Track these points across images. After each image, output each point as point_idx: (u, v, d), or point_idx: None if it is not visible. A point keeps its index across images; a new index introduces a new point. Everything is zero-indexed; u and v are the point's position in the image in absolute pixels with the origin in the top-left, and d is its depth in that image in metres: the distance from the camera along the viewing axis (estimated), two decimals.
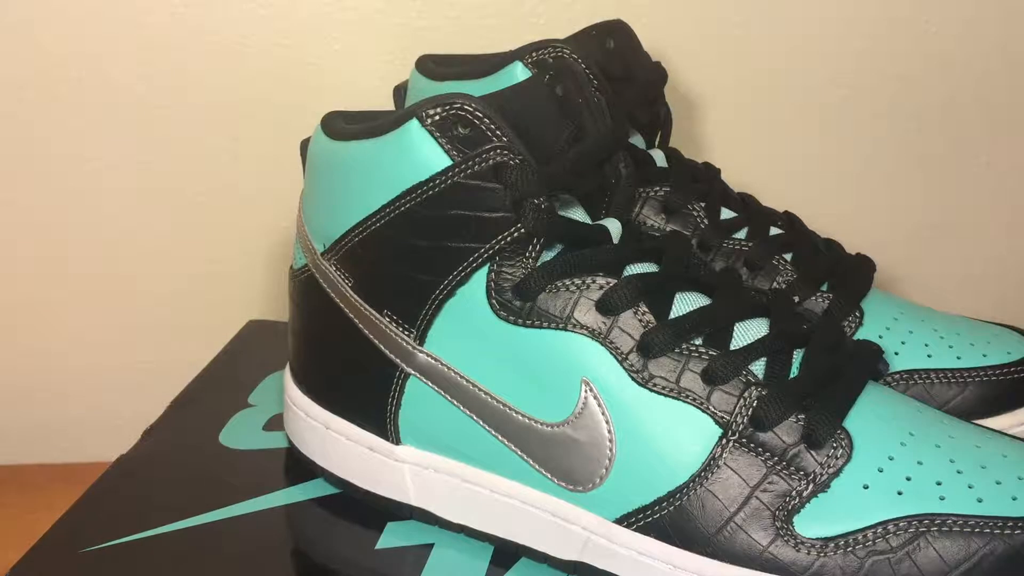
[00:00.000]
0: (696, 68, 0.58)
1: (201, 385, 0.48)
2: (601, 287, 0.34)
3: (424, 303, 0.35)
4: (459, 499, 0.37)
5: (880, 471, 0.32)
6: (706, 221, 0.43)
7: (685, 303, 0.35)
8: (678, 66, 0.56)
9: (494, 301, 0.34)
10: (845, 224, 0.55)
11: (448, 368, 0.36)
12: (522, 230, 0.33)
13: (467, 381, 0.35)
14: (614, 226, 0.37)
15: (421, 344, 0.36)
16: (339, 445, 0.39)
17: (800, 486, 0.32)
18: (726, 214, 0.45)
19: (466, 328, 0.35)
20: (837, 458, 0.32)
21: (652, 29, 0.52)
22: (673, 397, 0.33)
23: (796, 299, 0.41)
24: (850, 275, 0.43)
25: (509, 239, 0.33)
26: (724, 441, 0.33)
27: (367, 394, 0.38)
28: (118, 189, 0.59)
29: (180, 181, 0.59)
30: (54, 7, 0.56)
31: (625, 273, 0.35)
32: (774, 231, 0.45)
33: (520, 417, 0.35)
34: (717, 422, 0.33)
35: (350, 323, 0.37)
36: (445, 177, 0.33)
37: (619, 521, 0.34)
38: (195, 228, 0.60)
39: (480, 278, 0.34)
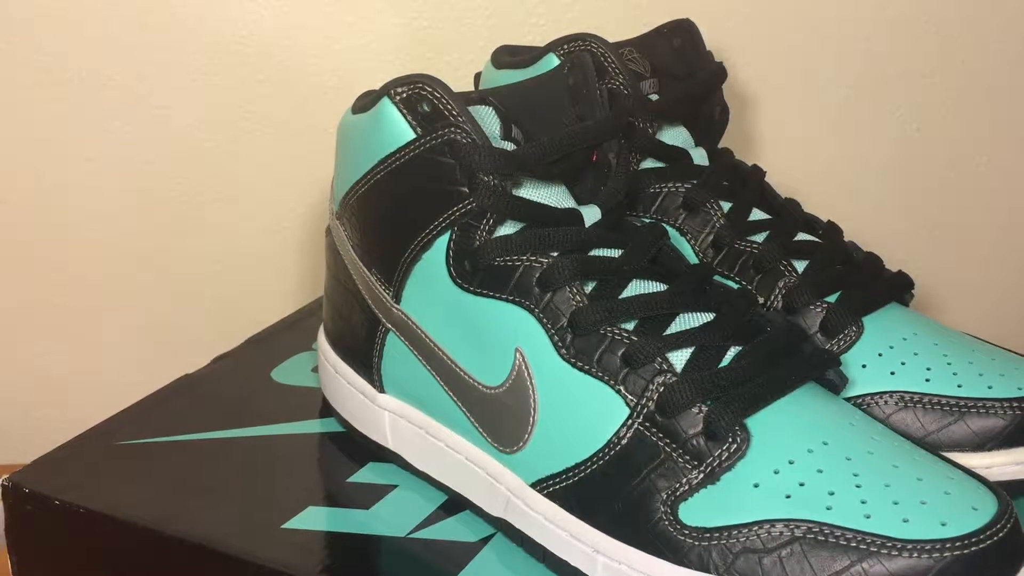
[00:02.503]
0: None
1: (279, 327, 0.54)
2: (542, 264, 0.36)
3: (397, 264, 0.38)
4: (424, 449, 0.40)
5: (776, 472, 0.32)
6: (723, 220, 0.43)
7: (638, 289, 0.36)
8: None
9: (451, 268, 0.37)
10: (842, 225, 0.54)
11: (416, 326, 0.39)
12: (474, 204, 0.36)
13: (429, 340, 0.38)
14: (591, 212, 0.38)
15: (397, 302, 0.39)
16: (342, 387, 0.44)
17: (692, 475, 0.32)
18: (758, 215, 0.45)
19: (429, 291, 0.38)
20: (731, 453, 0.32)
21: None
22: (591, 375, 0.34)
23: (781, 303, 0.40)
24: (862, 289, 0.41)
25: (462, 212, 0.36)
26: (629, 422, 0.34)
27: (359, 344, 0.42)
28: (118, 189, 0.59)
29: (180, 181, 0.60)
30: (54, 7, 0.57)
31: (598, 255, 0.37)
32: (804, 237, 0.44)
33: (467, 378, 0.37)
34: (626, 403, 0.34)
35: (350, 278, 0.42)
36: (409, 150, 0.36)
37: (534, 485, 0.35)
38: (195, 228, 0.61)
39: (441, 245, 0.37)
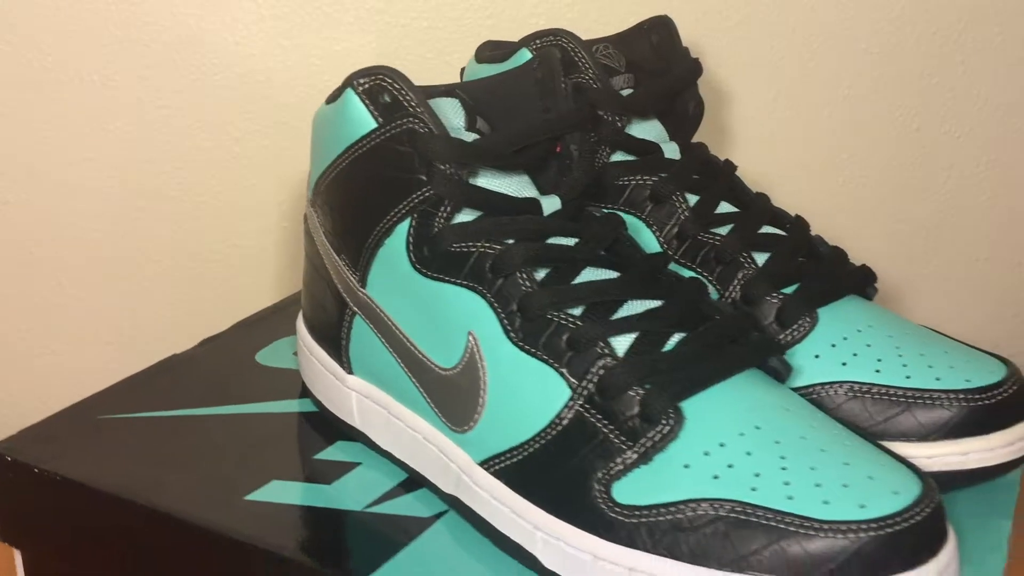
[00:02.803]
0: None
1: (267, 312, 0.56)
2: (495, 250, 0.37)
3: (362, 250, 0.40)
4: (387, 429, 0.42)
5: (706, 454, 0.33)
6: (688, 212, 0.44)
7: (591, 276, 0.37)
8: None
9: (411, 253, 0.38)
10: (844, 224, 0.54)
11: (379, 310, 0.40)
12: (431, 192, 0.37)
13: (391, 323, 0.40)
14: (551, 202, 0.40)
15: (363, 286, 0.41)
16: (316, 369, 0.45)
17: (627, 455, 0.33)
18: (726, 208, 0.46)
19: (391, 276, 0.39)
20: (664, 435, 0.33)
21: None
22: (537, 358, 0.36)
23: (736, 295, 0.41)
24: (820, 282, 0.42)
25: (421, 199, 0.37)
26: (571, 403, 0.35)
27: (330, 327, 0.43)
28: (118, 189, 0.60)
29: (180, 181, 0.60)
30: (54, 7, 0.57)
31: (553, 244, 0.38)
32: (768, 230, 0.45)
33: (424, 359, 0.39)
34: (569, 385, 0.35)
35: (322, 263, 0.43)
36: (371, 138, 0.38)
37: (482, 464, 0.37)
38: (195, 228, 0.61)
39: (402, 231, 0.38)
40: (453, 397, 0.38)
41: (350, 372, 0.43)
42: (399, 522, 0.38)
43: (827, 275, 0.43)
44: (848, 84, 0.62)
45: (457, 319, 0.37)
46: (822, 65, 0.61)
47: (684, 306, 0.37)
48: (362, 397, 0.43)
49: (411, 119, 0.37)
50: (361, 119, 0.38)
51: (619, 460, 0.34)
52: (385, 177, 0.38)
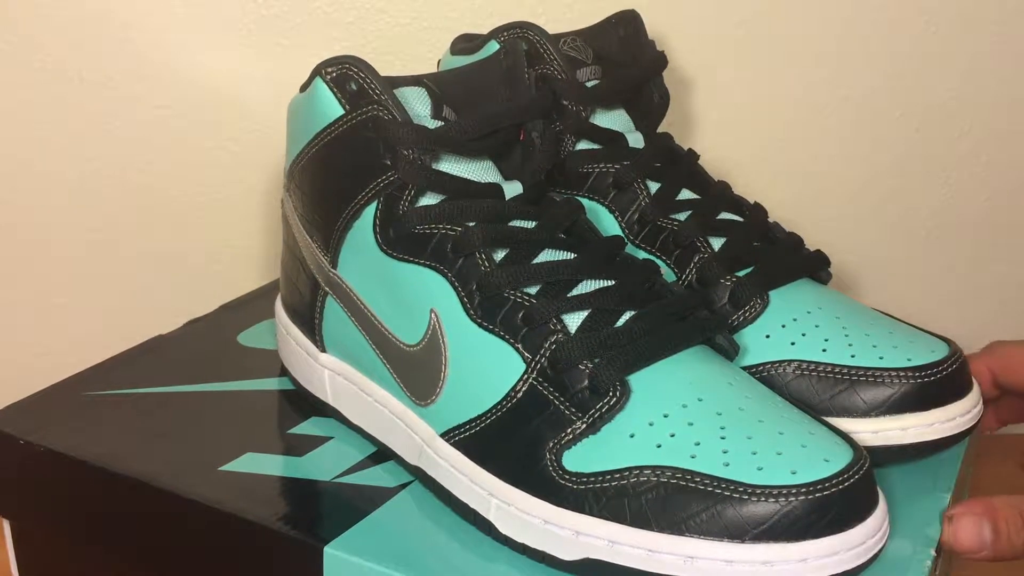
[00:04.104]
0: (699, 62, 0.59)
1: (252, 296, 0.58)
2: (456, 232, 0.39)
3: (332, 231, 0.42)
4: (357, 404, 0.44)
5: (650, 424, 0.35)
6: (648, 199, 0.46)
7: (548, 257, 0.39)
8: (682, 58, 0.57)
9: (378, 235, 0.40)
10: (844, 224, 0.55)
11: (350, 290, 0.42)
12: (395, 176, 0.39)
13: (360, 302, 0.42)
14: (513, 187, 0.41)
15: (334, 268, 0.42)
16: (291, 347, 0.47)
17: (576, 426, 0.35)
18: (688, 196, 0.47)
19: (360, 257, 0.41)
20: (611, 406, 0.35)
21: (657, 29, 0.53)
22: (495, 334, 0.37)
23: (695, 277, 0.43)
24: (774, 266, 0.44)
25: (386, 183, 0.39)
26: (525, 377, 0.36)
27: (304, 307, 0.45)
28: (118, 189, 0.60)
29: (180, 181, 0.60)
30: (54, 7, 0.57)
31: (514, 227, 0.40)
32: (726, 217, 0.46)
33: (390, 337, 0.41)
34: (523, 360, 0.37)
35: (297, 245, 0.45)
36: (338, 124, 0.40)
37: (443, 435, 0.39)
38: (196, 228, 0.61)
39: (369, 214, 0.40)
40: (417, 372, 0.40)
41: (323, 350, 0.45)
42: (365, 491, 0.40)
43: (781, 259, 0.45)
44: (848, 84, 0.62)
45: (420, 298, 0.39)
46: (822, 65, 0.61)
47: (636, 286, 0.39)
48: (334, 374, 0.45)
49: (375, 106, 0.39)
50: (329, 106, 0.40)
51: (569, 430, 0.35)
52: (352, 162, 0.40)
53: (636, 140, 0.48)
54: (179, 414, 0.46)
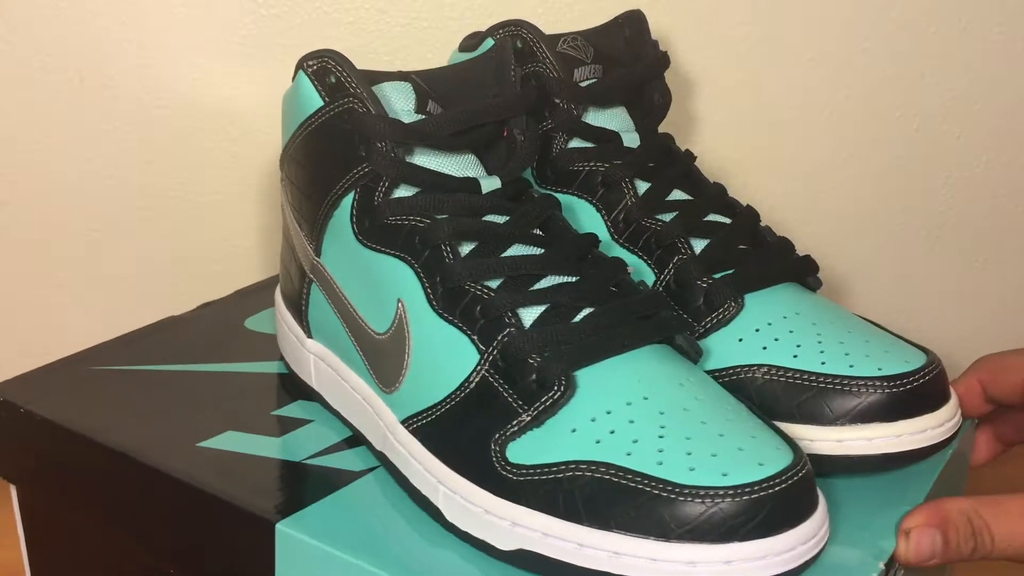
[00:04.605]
0: (699, 62, 0.59)
1: (266, 283, 0.60)
2: (425, 224, 0.39)
3: (315, 221, 0.43)
4: (336, 389, 0.45)
5: (592, 420, 0.35)
6: (635, 199, 0.46)
7: (518, 252, 0.40)
8: (682, 58, 0.57)
9: (355, 225, 0.41)
10: (843, 223, 0.53)
11: (330, 278, 0.43)
12: (369, 168, 0.40)
13: (339, 290, 0.43)
14: (491, 182, 0.42)
15: (318, 256, 0.44)
16: (284, 332, 0.48)
17: (522, 418, 0.36)
18: (679, 196, 0.47)
19: (339, 245, 0.42)
20: (556, 400, 0.35)
21: (658, 29, 0.53)
22: (454, 325, 0.38)
23: (674, 279, 0.43)
24: (755, 269, 0.43)
25: (361, 174, 0.40)
26: (478, 368, 0.37)
27: (295, 293, 0.47)
28: (118, 189, 0.60)
29: (180, 181, 0.60)
30: (54, 7, 0.57)
31: (486, 220, 0.40)
32: (714, 218, 0.46)
33: (363, 324, 0.42)
34: (478, 351, 0.37)
35: (289, 233, 0.46)
36: (318, 116, 0.41)
37: (403, 422, 0.39)
38: (196, 228, 0.61)
39: (347, 204, 0.41)
40: (384, 360, 0.41)
41: (309, 336, 0.46)
42: (330, 473, 0.41)
43: (764, 263, 0.44)
44: (848, 84, 0.62)
45: (390, 287, 0.40)
46: (822, 65, 0.61)
47: (599, 283, 0.39)
48: (318, 359, 0.46)
49: (351, 99, 0.40)
50: (311, 98, 0.41)
51: (515, 422, 0.36)
52: (331, 153, 0.41)
53: (631, 140, 0.48)
54: (175, 392, 0.48)
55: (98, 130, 0.58)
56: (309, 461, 0.42)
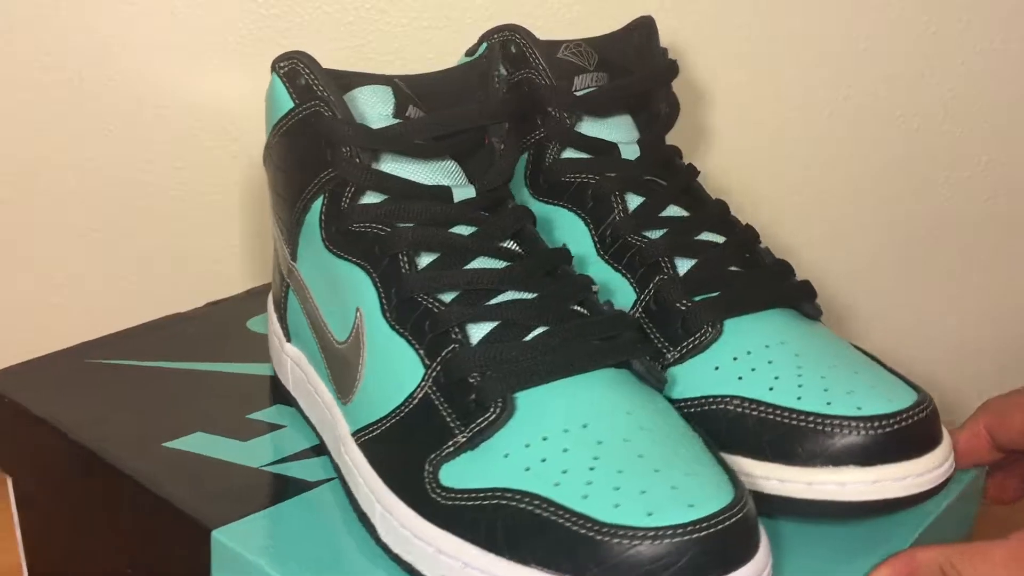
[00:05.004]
0: (698, 63, 0.57)
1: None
2: (386, 232, 0.38)
3: (290, 224, 0.42)
4: (307, 396, 0.44)
5: (526, 446, 0.33)
6: (623, 214, 0.44)
7: (481, 265, 0.38)
8: (681, 59, 0.55)
9: (323, 230, 0.40)
10: (842, 224, 0.54)
11: (303, 282, 0.43)
12: (334, 174, 0.39)
13: (309, 295, 0.42)
14: (465, 191, 0.40)
15: (293, 260, 0.43)
16: (270, 334, 0.48)
17: (458, 439, 0.34)
18: (675, 212, 0.45)
19: (310, 250, 0.42)
20: (491, 423, 0.34)
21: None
22: (404, 337, 0.37)
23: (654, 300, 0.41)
24: (741, 293, 0.41)
25: (327, 179, 0.39)
26: (422, 383, 0.36)
27: (278, 297, 0.46)
28: (118, 189, 0.60)
29: (181, 181, 0.60)
30: (54, 7, 0.57)
31: (452, 232, 0.39)
32: (706, 237, 0.43)
33: (327, 332, 0.41)
34: (424, 366, 0.36)
35: (274, 235, 0.46)
36: (289, 117, 0.40)
37: (353, 435, 0.38)
38: (196, 228, 0.61)
39: (316, 208, 0.41)
40: (342, 369, 0.40)
41: (288, 340, 0.46)
42: (285, 482, 0.40)
43: (753, 286, 0.42)
44: (848, 84, 0.62)
45: (350, 295, 0.39)
46: (822, 65, 0.60)
47: (557, 301, 0.37)
48: (294, 364, 0.45)
49: (318, 102, 0.39)
50: (283, 99, 0.41)
51: (451, 443, 0.34)
52: (301, 156, 0.40)
53: (630, 151, 0.46)
54: (159, 389, 0.48)
55: (98, 130, 0.59)
56: (268, 467, 0.42)
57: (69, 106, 0.58)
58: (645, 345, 0.37)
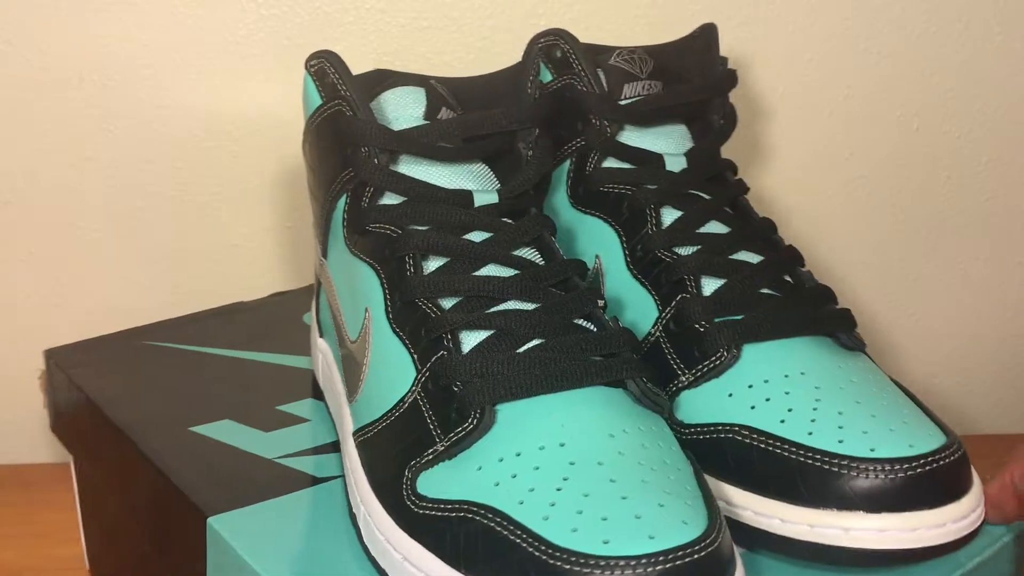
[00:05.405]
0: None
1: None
2: (396, 234, 0.38)
3: (321, 221, 0.43)
4: (329, 391, 0.44)
5: (500, 460, 0.32)
6: (655, 227, 0.42)
7: (491, 272, 0.38)
8: None
9: (345, 229, 0.41)
10: (842, 224, 0.55)
11: (330, 279, 0.43)
12: (352, 174, 0.39)
13: (334, 291, 0.42)
14: (486, 196, 0.40)
15: (324, 257, 0.44)
16: (311, 328, 0.49)
17: (438, 447, 0.34)
18: (715, 228, 0.43)
19: (336, 248, 0.42)
20: (469, 433, 0.33)
21: (651, 29, 0.51)
22: (402, 340, 0.37)
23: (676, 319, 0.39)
24: (768, 317, 0.38)
25: (348, 179, 0.40)
26: (413, 388, 0.35)
27: (315, 291, 0.47)
28: (119, 189, 0.60)
29: (181, 181, 0.60)
30: (55, 7, 0.57)
31: (467, 237, 0.39)
32: (742, 257, 0.41)
33: (344, 329, 0.41)
34: (416, 370, 0.35)
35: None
36: (318, 114, 0.41)
37: (353, 434, 0.38)
38: (196, 228, 0.61)
39: (340, 207, 0.41)
40: (351, 368, 0.40)
41: (321, 335, 0.46)
42: (292, 475, 0.41)
43: (783, 311, 0.39)
44: (848, 84, 0.62)
45: (361, 295, 0.39)
46: (822, 65, 0.60)
47: (558, 314, 0.36)
48: (324, 359, 0.46)
49: (340, 102, 0.39)
50: (312, 96, 0.41)
51: (431, 451, 0.34)
52: (327, 154, 0.41)
53: (676, 163, 0.44)
54: (204, 374, 0.49)
55: (98, 130, 0.58)
56: (281, 460, 0.42)
57: (69, 106, 0.58)
58: (641, 365, 0.35)
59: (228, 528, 0.37)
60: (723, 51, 0.47)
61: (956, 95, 0.62)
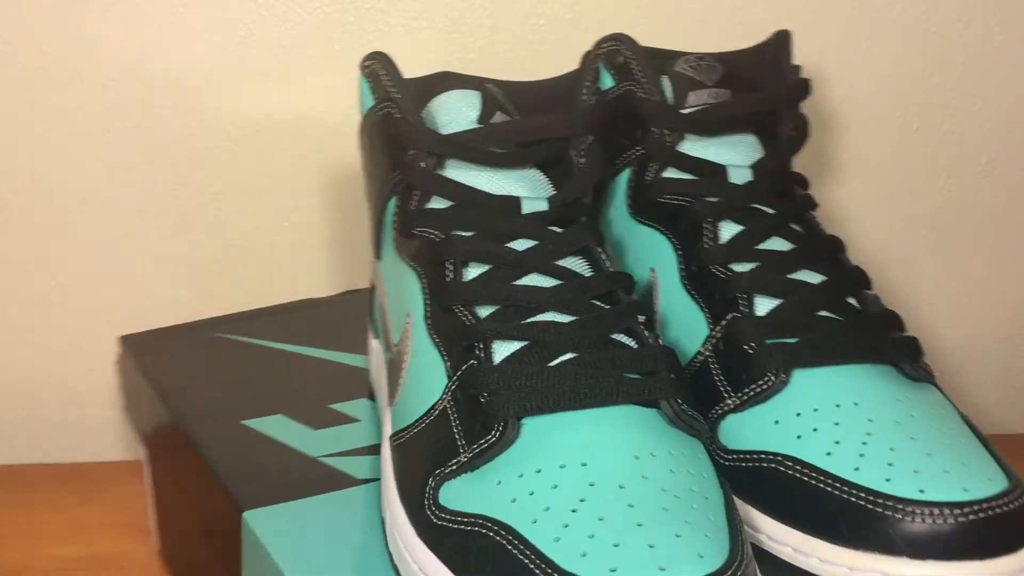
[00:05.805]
0: None
1: None
2: (439, 239, 0.37)
3: (375, 223, 0.43)
4: (379, 393, 0.44)
5: (519, 476, 0.31)
6: (711, 242, 0.40)
7: (533, 282, 0.37)
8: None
9: (394, 232, 0.40)
10: (842, 224, 0.52)
11: (381, 280, 0.43)
12: (399, 177, 0.39)
13: (383, 293, 0.42)
14: (535, 203, 0.39)
15: (378, 259, 0.44)
16: (369, 328, 0.49)
17: (461, 458, 0.33)
18: (777, 245, 0.41)
19: (387, 250, 0.42)
20: (491, 446, 0.32)
21: (651, 29, 0.48)
22: (438, 347, 0.36)
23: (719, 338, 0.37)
24: (824, 342, 0.36)
25: (395, 181, 0.39)
26: (445, 395, 0.35)
27: (371, 293, 0.47)
28: (119, 189, 0.60)
29: (181, 181, 0.60)
30: (55, 7, 0.57)
31: (511, 244, 0.38)
32: (803, 277, 0.39)
33: (390, 332, 0.41)
34: (448, 378, 0.35)
35: None
36: (371, 115, 0.41)
37: (390, 438, 0.38)
38: (195, 228, 0.61)
39: (391, 208, 0.41)
40: (393, 371, 0.40)
41: (376, 336, 0.46)
42: (333, 475, 0.41)
43: (841, 336, 0.37)
44: (848, 84, 0.62)
45: (405, 299, 0.39)
46: (822, 65, 0.60)
47: (595, 328, 0.35)
48: (376, 360, 0.46)
49: (389, 104, 0.39)
50: (366, 96, 0.41)
51: (455, 461, 0.33)
52: (378, 155, 0.41)
53: (740, 175, 0.42)
54: (266, 368, 0.50)
55: (98, 130, 0.58)
56: (324, 458, 0.42)
57: (69, 106, 0.58)
58: (676, 385, 0.34)
59: (261, 523, 0.38)
60: (722, 50, 0.45)
61: (956, 95, 0.62)
